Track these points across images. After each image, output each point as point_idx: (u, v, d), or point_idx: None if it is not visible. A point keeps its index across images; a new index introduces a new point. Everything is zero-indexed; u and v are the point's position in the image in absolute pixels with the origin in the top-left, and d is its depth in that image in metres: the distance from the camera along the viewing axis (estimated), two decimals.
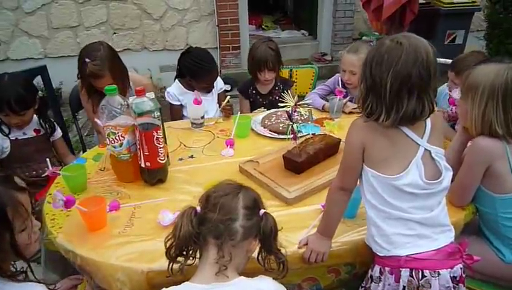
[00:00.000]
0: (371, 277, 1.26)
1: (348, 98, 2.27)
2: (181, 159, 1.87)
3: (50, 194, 1.62)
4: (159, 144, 1.59)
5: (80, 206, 1.38)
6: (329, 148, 1.76)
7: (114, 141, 1.60)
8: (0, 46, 4.39)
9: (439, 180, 1.19)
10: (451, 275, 1.19)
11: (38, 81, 2.43)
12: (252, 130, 2.10)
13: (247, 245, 1.13)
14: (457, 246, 1.23)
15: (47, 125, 2.11)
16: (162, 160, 1.63)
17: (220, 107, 2.32)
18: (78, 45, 4.59)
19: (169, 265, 1.14)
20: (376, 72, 1.13)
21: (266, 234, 1.12)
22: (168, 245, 1.12)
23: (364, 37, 2.93)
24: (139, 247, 1.34)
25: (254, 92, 2.49)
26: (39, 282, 1.15)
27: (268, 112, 2.23)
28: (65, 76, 3.67)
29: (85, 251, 1.33)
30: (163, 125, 1.73)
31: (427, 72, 1.09)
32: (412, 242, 1.20)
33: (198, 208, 1.13)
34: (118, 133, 1.59)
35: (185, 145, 2.00)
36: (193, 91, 2.36)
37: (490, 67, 1.39)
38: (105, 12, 4.57)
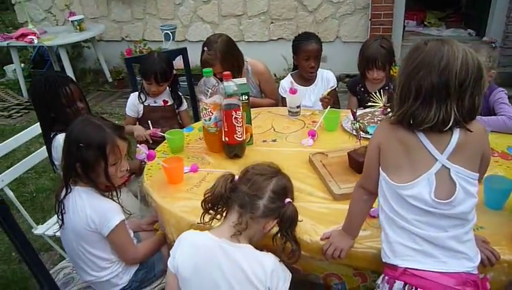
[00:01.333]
0: (377, 284, 1.24)
1: None
2: (264, 141, 2.06)
3: (158, 151, 2.03)
4: (237, 123, 1.82)
5: (162, 162, 1.73)
6: None
7: (205, 115, 1.90)
8: (181, 29, 5.29)
9: (450, 200, 1.09)
10: None
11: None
12: (342, 126, 2.13)
13: (264, 223, 1.28)
14: (477, 279, 1.10)
15: (176, 98, 2.57)
16: (239, 137, 1.85)
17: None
18: (240, 31, 5.17)
19: (202, 214, 1.36)
20: (399, 69, 1.13)
21: (284, 220, 1.26)
22: (204, 197, 1.34)
23: (484, 38, 2.52)
24: (194, 204, 1.59)
25: (362, 89, 2.47)
26: (118, 203, 1.54)
27: (364, 110, 2.21)
28: None
29: (158, 197, 1.66)
30: (249, 108, 1.96)
31: (440, 79, 1.03)
32: (414, 256, 1.13)
33: (237, 177, 1.33)
34: (208, 109, 1.87)
35: (274, 129, 2.17)
36: (301, 84, 2.51)
37: None
38: (266, 3, 5.00)
